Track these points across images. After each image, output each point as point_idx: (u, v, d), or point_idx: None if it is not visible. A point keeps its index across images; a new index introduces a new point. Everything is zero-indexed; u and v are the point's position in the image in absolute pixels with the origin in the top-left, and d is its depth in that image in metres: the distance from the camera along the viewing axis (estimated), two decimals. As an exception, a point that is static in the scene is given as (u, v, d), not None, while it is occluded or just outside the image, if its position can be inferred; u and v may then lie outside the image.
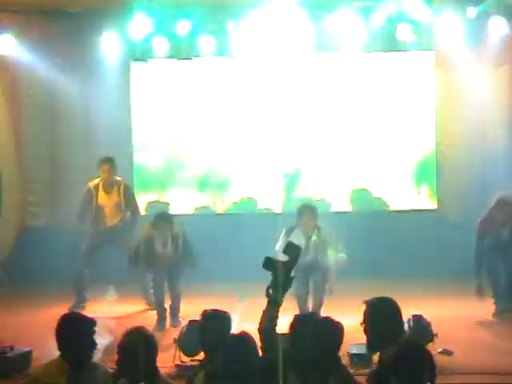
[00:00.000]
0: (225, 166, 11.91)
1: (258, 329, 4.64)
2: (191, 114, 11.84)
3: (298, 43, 11.14)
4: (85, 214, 9.78)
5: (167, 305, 8.84)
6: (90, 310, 8.54)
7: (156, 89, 11.86)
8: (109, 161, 9.71)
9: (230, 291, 9.78)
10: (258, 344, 4.62)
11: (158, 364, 4.79)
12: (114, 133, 11.35)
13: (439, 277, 10.33)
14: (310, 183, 11.79)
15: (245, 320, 7.43)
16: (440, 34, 11.19)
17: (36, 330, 7.92)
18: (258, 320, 4.66)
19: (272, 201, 11.86)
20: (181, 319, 8.51)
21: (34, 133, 11.82)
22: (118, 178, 9.82)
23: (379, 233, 11.27)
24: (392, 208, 11.83)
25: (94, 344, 4.91)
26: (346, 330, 4.63)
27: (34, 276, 10.50)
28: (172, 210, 11.03)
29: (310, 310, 8.25)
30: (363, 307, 4.58)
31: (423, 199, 11.84)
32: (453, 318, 8.62)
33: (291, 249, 4.72)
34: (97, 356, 5.11)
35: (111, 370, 4.88)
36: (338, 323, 4.59)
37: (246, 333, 4.67)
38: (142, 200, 11.27)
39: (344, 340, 4.61)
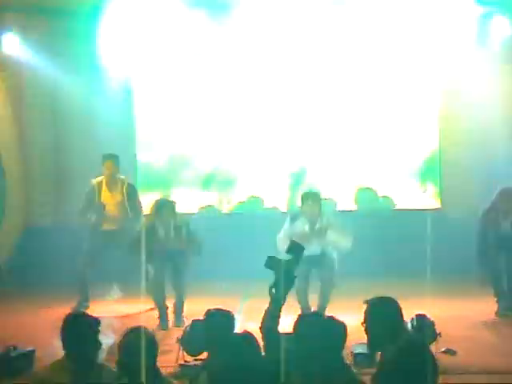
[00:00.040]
0: (230, 164, 11.91)
1: (260, 328, 4.63)
2: (196, 113, 11.82)
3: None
4: (87, 210, 9.62)
5: (170, 303, 8.72)
6: (93, 310, 8.52)
7: (159, 86, 11.83)
8: (112, 157, 9.59)
9: (234, 290, 9.77)
10: (261, 343, 4.61)
11: (162, 364, 4.78)
12: (117, 132, 11.33)
13: (443, 276, 10.29)
14: (316, 182, 11.77)
15: (248, 319, 7.43)
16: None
17: (38, 329, 7.93)
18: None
19: (278, 200, 11.85)
20: (184, 319, 8.47)
21: (38, 132, 11.83)
22: (122, 177, 9.72)
23: (384, 232, 11.25)
24: (397, 207, 11.82)
25: (99, 344, 4.92)
26: (349, 330, 4.62)
27: (37, 275, 10.49)
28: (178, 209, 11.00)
29: (317, 308, 8.22)
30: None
31: (428, 198, 11.83)
32: (456, 317, 8.61)
33: (294, 248, 4.71)
34: (101, 356, 5.11)
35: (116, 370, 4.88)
36: (342, 323, 4.58)
37: (249, 332, 4.66)
38: (147, 199, 11.23)
39: (348, 339, 4.60)
